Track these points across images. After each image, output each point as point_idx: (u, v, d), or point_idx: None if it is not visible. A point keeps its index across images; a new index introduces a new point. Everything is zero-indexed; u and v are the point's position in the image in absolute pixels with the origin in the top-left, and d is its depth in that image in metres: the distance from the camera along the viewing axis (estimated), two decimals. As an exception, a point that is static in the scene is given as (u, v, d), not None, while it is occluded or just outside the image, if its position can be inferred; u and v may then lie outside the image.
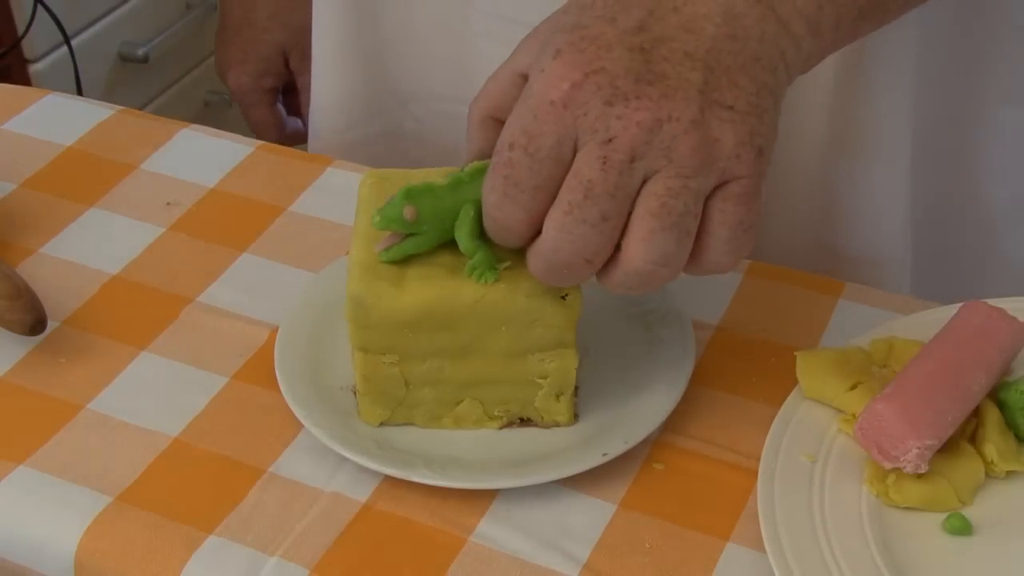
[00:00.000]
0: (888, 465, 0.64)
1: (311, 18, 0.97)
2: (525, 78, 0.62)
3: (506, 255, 0.66)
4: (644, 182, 0.59)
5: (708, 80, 0.59)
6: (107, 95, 1.82)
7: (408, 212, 0.65)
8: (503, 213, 0.61)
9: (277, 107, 1.14)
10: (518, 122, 0.60)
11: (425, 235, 0.66)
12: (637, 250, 0.60)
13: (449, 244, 0.66)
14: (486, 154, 0.65)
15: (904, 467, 0.64)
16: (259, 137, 1.06)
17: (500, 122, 0.63)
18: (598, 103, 0.58)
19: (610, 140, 0.58)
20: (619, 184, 0.59)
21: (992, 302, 0.70)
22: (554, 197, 0.60)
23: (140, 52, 1.85)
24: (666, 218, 0.59)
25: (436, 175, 0.68)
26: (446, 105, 0.93)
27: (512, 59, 0.64)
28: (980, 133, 0.89)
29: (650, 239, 0.59)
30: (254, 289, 0.80)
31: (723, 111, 0.59)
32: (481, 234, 0.65)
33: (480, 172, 0.66)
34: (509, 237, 0.62)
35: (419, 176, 0.70)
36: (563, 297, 0.66)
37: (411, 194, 0.65)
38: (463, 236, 0.65)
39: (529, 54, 0.62)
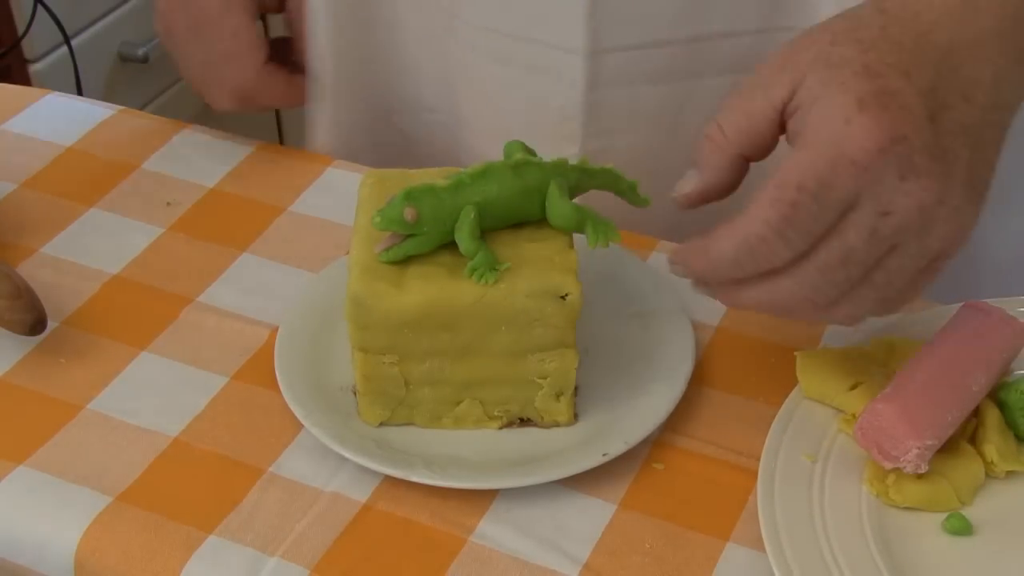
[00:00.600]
0: (888, 465, 0.64)
1: None
2: (781, 114, 0.61)
3: (506, 256, 0.66)
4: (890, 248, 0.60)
5: (972, 159, 0.60)
6: (107, 95, 1.82)
7: (409, 213, 0.65)
8: (768, 248, 0.59)
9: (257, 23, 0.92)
10: (812, 167, 0.58)
11: (425, 236, 0.66)
12: (849, 311, 0.62)
13: (449, 244, 0.66)
14: (726, 188, 0.64)
15: (904, 467, 0.64)
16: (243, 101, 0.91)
17: (747, 158, 0.63)
18: (893, 175, 0.58)
19: (887, 214, 0.58)
20: (874, 255, 0.59)
21: (992, 302, 0.70)
22: (817, 244, 0.60)
23: (140, 52, 1.85)
24: (888, 294, 0.61)
25: (436, 175, 0.68)
26: (432, 116, 0.93)
27: (766, 92, 0.62)
28: None
29: (873, 304, 0.61)
30: (254, 289, 0.80)
31: (975, 194, 0.60)
32: (481, 235, 0.66)
33: (482, 174, 0.67)
34: (751, 269, 0.61)
35: (419, 176, 0.70)
36: (563, 297, 0.66)
37: (412, 195, 0.65)
38: (464, 237, 0.65)
39: (789, 86, 0.61)
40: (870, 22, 0.61)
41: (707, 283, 0.63)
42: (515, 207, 0.68)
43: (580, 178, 0.70)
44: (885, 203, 0.58)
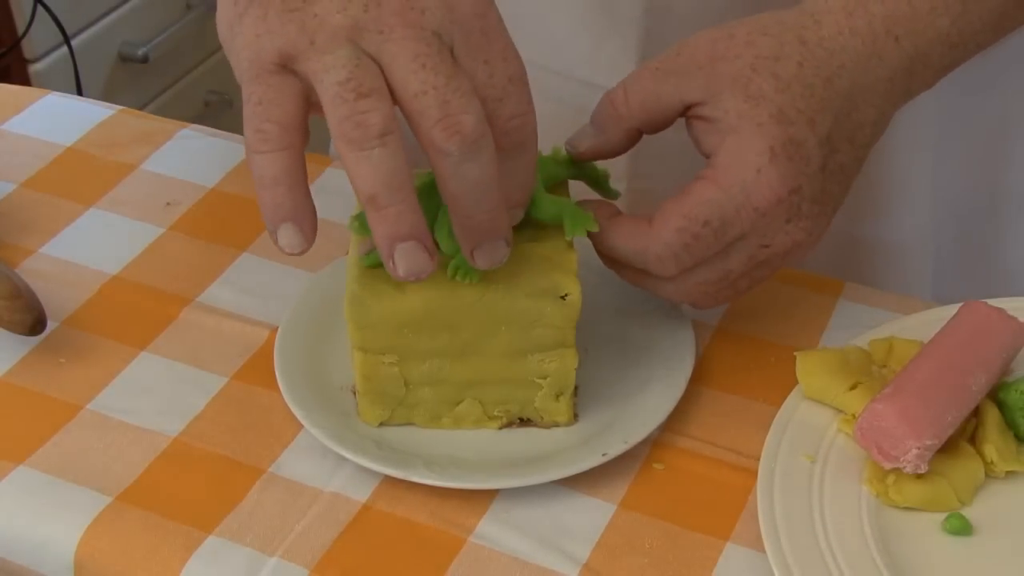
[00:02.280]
0: (888, 465, 0.64)
1: None
2: (687, 108, 0.67)
3: None
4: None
5: (840, 195, 0.68)
6: (107, 95, 1.82)
7: None
8: (662, 266, 0.67)
9: None
10: (720, 209, 0.65)
11: None
12: (710, 306, 0.71)
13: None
14: (614, 153, 0.70)
15: (904, 467, 0.64)
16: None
17: (642, 132, 0.70)
18: (782, 220, 0.66)
19: (766, 246, 0.67)
20: (744, 271, 0.68)
21: (992, 302, 0.70)
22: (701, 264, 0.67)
23: (140, 52, 1.85)
24: (742, 292, 0.70)
25: (428, 173, 0.68)
26: None
27: (679, 88, 0.67)
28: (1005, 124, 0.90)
29: (721, 302, 0.71)
30: (254, 289, 0.80)
31: (826, 220, 0.69)
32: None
33: None
34: (635, 274, 0.69)
35: (419, 176, 0.70)
36: (563, 297, 0.66)
37: None
38: (443, 237, 0.65)
39: (703, 93, 0.67)
40: (790, 53, 0.67)
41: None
42: None
43: (555, 169, 0.70)
44: (768, 239, 0.67)
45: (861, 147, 0.69)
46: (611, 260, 0.70)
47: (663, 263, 0.67)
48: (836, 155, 0.67)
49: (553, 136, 0.84)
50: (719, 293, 0.69)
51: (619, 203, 0.75)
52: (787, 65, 0.66)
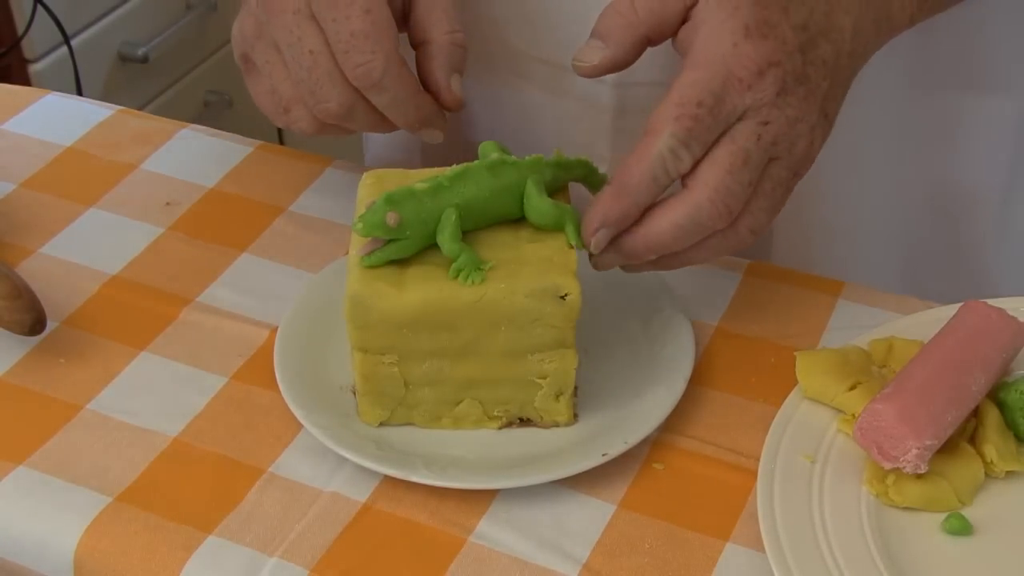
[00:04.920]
0: (888, 465, 0.64)
1: None
2: (687, 11, 0.69)
3: (490, 256, 0.66)
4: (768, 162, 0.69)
5: (828, 91, 0.70)
6: (107, 95, 1.82)
7: (391, 218, 0.65)
8: (676, 159, 0.67)
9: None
10: (708, 85, 0.66)
11: (408, 240, 0.66)
12: (750, 223, 0.69)
13: (435, 246, 0.66)
14: (620, 66, 0.71)
15: (904, 467, 0.64)
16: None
17: (651, 41, 0.70)
18: (772, 93, 0.67)
19: (766, 123, 0.67)
20: (762, 159, 0.68)
21: (992, 302, 0.70)
22: (707, 154, 0.67)
23: (140, 52, 1.85)
24: (777, 201, 0.70)
25: (431, 175, 0.68)
26: (471, 130, 0.94)
27: None
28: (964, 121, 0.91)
29: (765, 215, 0.70)
30: (254, 289, 0.80)
31: (825, 121, 0.70)
32: (463, 236, 0.66)
33: (460, 175, 0.67)
34: (664, 183, 0.68)
35: (419, 176, 0.70)
36: (563, 297, 0.66)
37: (392, 200, 0.65)
38: (446, 239, 0.65)
39: None
40: None
41: (625, 223, 0.68)
42: (495, 207, 0.68)
43: (557, 173, 0.70)
44: (764, 115, 0.67)
45: (844, 53, 0.70)
46: (633, 210, 0.68)
47: (677, 154, 0.67)
48: (815, 48, 0.69)
49: (549, 123, 0.83)
50: (755, 189, 0.68)
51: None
52: None
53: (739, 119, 0.67)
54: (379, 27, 0.71)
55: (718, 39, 0.67)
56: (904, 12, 0.73)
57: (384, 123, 0.75)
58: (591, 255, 0.69)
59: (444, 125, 0.76)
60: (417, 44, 0.76)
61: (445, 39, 0.75)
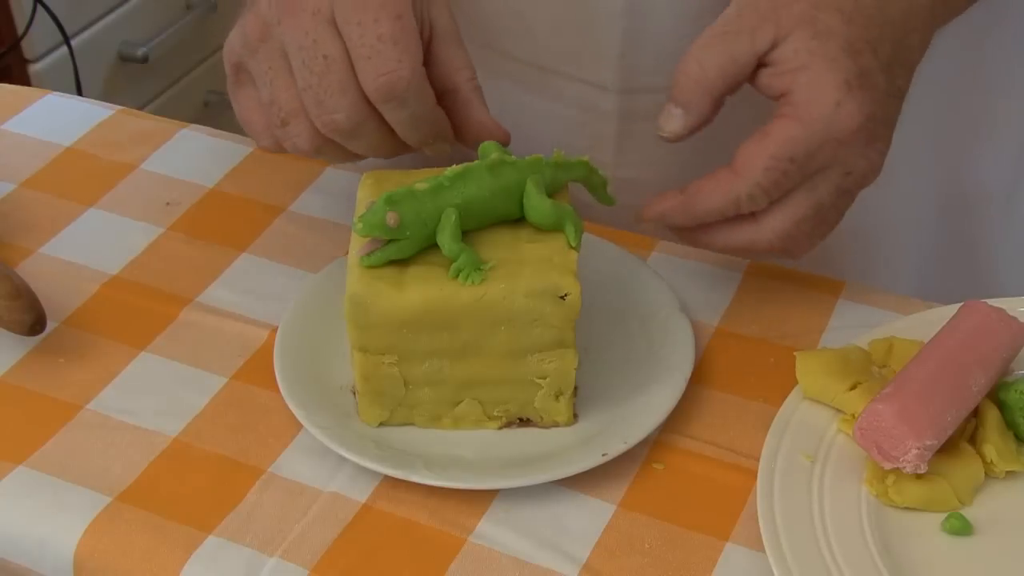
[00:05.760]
0: (888, 465, 0.64)
1: None
2: (759, 60, 0.69)
3: (490, 256, 0.66)
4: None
5: (898, 115, 0.71)
6: (107, 95, 1.82)
7: (391, 218, 0.65)
8: (754, 204, 0.69)
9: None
10: (806, 144, 0.67)
11: (408, 240, 0.66)
12: (805, 249, 0.72)
13: (435, 246, 0.66)
14: (702, 127, 0.71)
15: (904, 467, 0.64)
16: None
17: (724, 98, 0.71)
18: (862, 144, 0.68)
19: (849, 173, 0.69)
20: (832, 203, 0.70)
21: (992, 302, 0.70)
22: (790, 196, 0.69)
23: (140, 52, 1.85)
24: (832, 226, 0.72)
25: (431, 175, 0.68)
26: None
27: (751, 36, 0.69)
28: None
29: (814, 244, 0.72)
30: (254, 289, 0.80)
31: (890, 141, 0.71)
32: (463, 236, 0.66)
33: (460, 176, 0.67)
34: (723, 218, 0.69)
35: (419, 176, 0.70)
36: (562, 297, 0.66)
37: (393, 200, 0.65)
38: (445, 239, 0.65)
39: (768, 38, 0.68)
40: None
41: (679, 226, 0.72)
42: (495, 207, 0.68)
43: (556, 173, 0.70)
44: (851, 165, 0.69)
45: (911, 70, 0.71)
46: (696, 230, 0.71)
47: (755, 201, 0.68)
48: (896, 80, 0.70)
49: (550, 130, 0.83)
50: (813, 231, 0.70)
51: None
52: None
53: (824, 168, 0.69)
54: (409, 35, 0.68)
55: (821, 95, 0.67)
56: (956, 11, 0.75)
57: (386, 144, 0.71)
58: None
59: (452, 139, 0.74)
60: (443, 91, 0.73)
61: (471, 85, 0.73)
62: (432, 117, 0.71)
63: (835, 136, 0.67)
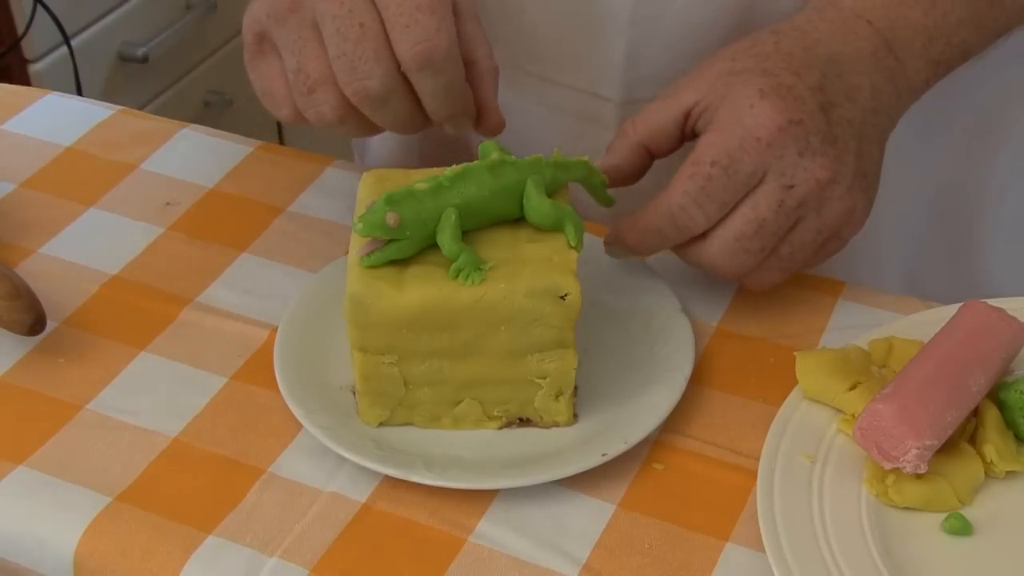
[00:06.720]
0: (888, 465, 0.64)
1: None
2: (686, 116, 0.71)
3: (490, 256, 0.66)
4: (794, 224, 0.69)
5: (859, 150, 0.70)
6: (107, 95, 1.82)
7: (391, 218, 0.65)
8: (687, 216, 0.69)
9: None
10: (723, 145, 0.68)
11: (408, 240, 0.66)
12: (765, 277, 0.72)
13: (435, 246, 0.67)
14: (624, 173, 0.74)
15: (904, 467, 0.64)
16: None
17: (650, 150, 0.74)
18: (793, 152, 0.68)
19: (791, 187, 0.68)
20: (782, 226, 0.69)
21: (992, 302, 0.70)
22: (728, 214, 0.69)
23: (140, 52, 1.85)
24: (794, 263, 0.71)
25: (431, 175, 0.68)
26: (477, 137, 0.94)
27: (676, 97, 0.72)
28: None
29: (776, 278, 0.72)
30: (254, 289, 0.80)
31: (865, 183, 0.70)
32: (463, 236, 0.66)
33: (460, 176, 0.67)
34: (674, 237, 0.71)
35: (419, 175, 0.70)
36: (562, 297, 0.66)
37: (392, 200, 0.65)
38: (445, 239, 0.65)
39: (696, 93, 0.71)
40: (765, 40, 0.72)
41: (640, 254, 0.74)
42: (495, 207, 0.68)
43: (556, 174, 0.71)
44: (788, 177, 0.68)
45: (868, 110, 0.70)
46: (645, 249, 0.73)
47: (687, 212, 0.69)
48: (837, 108, 0.69)
49: (550, 140, 0.84)
50: (764, 252, 0.70)
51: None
52: (765, 47, 0.71)
53: (761, 182, 0.68)
54: (445, 6, 0.69)
55: (735, 105, 0.68)
56: (919, 76, 0.74)
57: (411, 117, 0.71)
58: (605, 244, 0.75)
59: (475, 115, 0.74)
60: (464, 62, 0.73)
61: (491, 63, 0.73)
62: (461, 90, 0.71)
63: (753, 134, 0.67)
